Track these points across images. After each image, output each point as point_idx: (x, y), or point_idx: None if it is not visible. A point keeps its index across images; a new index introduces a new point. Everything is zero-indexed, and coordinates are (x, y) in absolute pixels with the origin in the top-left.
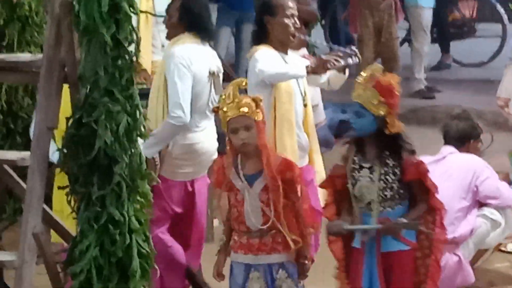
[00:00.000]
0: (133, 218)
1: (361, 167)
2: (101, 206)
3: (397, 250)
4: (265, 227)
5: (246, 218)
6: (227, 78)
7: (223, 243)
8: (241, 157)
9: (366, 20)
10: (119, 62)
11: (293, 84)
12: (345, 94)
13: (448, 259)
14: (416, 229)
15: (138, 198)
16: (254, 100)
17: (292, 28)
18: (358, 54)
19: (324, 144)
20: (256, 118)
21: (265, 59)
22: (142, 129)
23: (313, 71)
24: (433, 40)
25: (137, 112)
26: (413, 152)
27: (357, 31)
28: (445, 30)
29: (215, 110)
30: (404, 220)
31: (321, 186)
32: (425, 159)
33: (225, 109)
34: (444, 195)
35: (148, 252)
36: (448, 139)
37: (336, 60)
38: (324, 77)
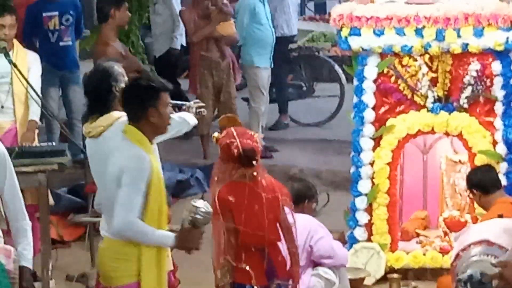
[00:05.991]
0: None
1: None
2: None
3: None
4: None
5: None
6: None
7: None
8: None
9: (206, 81)
10: None
11: None
12: (181, 155)
13: None
14: None
15: None
16: None
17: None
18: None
19: None
20: None
21: None
22: None
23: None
24: (272, 100)
25: None
26: None
27: (196, 91)
28: (283, 90)
29: None
30: None
31: None
32: None
33: None
34: None
35: None
36: None
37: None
38: None
